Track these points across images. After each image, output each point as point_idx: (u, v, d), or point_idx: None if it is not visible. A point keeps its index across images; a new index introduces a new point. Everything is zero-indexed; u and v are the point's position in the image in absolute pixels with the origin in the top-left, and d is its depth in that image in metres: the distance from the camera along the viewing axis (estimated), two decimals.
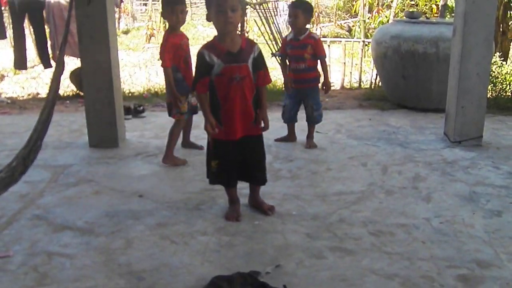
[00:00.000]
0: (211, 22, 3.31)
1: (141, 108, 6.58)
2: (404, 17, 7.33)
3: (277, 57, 5.29)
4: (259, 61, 3.39)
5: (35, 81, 9.00)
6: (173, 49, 4.51)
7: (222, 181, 3.60)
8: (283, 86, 5.40)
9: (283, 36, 7.50)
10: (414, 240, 3.21)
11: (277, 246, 3.16)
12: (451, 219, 3.52)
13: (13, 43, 7.82)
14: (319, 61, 5.14)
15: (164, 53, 4.51)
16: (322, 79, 5.21)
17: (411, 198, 3.90)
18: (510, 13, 9.82)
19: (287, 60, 5.25)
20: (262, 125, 3.49)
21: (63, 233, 3.36)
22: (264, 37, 9.16)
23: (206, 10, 3.38)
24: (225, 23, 3.21)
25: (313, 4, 5.44)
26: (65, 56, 4.61)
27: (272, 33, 8.77)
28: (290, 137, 5.39)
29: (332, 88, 8.42)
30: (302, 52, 5.06)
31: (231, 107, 3.32)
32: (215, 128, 3.32)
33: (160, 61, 4.67)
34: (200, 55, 3.28)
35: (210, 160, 3.52)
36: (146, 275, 2.85)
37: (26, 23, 7.82)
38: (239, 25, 3.93)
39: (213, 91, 3.33)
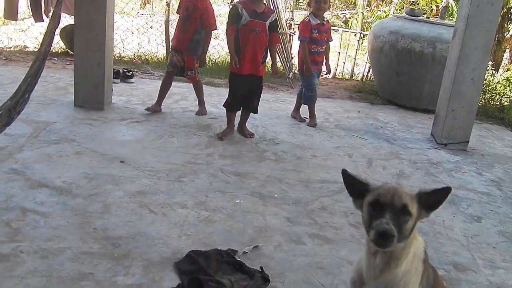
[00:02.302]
0: None
1: (130, 73, 6.45)
2: (405, 14, 7.27)
3: (300, 41, 5.32)
4: (274, 26, 4.71)
5: (24, 33, 8.73)
6: None
7: (235, 107, 4.76)
8: (306, 69, 5.32)
9: (280, 15, 7.49)
10: None
11: (256, 227, 3.13)
12: (431, 219, 3.52)
13: None
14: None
15: (213, 20, 5.10)
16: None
17: None
18: (507, 24, 9.84)
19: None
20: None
21: (40, 190, 3.28)
22: None
23: None
24: None
25: None
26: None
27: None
28: (301, 118, 5.60)
29: (324, 76, 8.47)
30: (326, 36, 5.38)
31: (247, 51, 4.52)
32: (237, 64, 4.49)
33: (208, 27, 5.06)
34: (235, 7, 4.52)
35: (231, 93, 4.71)
36: (121, 242, 2.79)
37: None
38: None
39: (237, 38, 4.52)
